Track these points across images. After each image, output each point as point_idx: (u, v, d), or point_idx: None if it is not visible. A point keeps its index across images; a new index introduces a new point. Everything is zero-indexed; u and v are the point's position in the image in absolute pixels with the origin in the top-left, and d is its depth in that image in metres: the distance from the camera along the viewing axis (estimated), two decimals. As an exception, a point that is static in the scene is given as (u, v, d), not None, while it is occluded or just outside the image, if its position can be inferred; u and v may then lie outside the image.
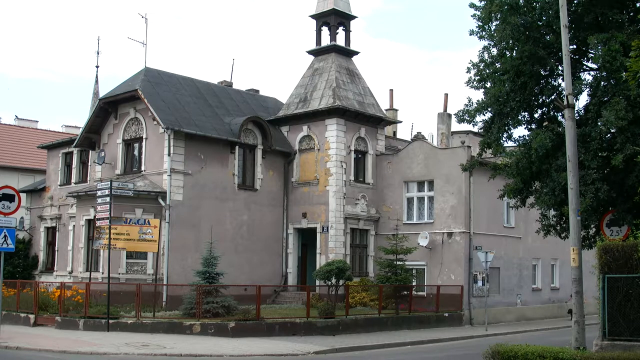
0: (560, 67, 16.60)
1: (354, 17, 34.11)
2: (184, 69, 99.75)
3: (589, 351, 13.07)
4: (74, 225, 30.20)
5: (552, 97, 17.41)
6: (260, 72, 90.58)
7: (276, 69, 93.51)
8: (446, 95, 36.58)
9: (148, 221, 23.82)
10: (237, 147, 29.61)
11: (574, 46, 17.30)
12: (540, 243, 29.52)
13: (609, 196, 15.74)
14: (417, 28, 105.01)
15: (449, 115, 35.01)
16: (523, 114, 18.13)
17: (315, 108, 31.36)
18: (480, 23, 17.91)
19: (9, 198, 19.14)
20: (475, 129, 20.74)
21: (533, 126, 18.33)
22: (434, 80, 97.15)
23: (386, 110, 35.34)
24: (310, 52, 34.05)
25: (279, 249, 31.46)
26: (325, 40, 33.62)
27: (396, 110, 37.22)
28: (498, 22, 17.39)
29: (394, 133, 38.43)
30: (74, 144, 31.23)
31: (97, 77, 37.19)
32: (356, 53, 34.15)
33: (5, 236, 18.80)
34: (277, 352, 18.27)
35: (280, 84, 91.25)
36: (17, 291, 24.99)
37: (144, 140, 28.43)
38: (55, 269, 32.85)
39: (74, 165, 33.63)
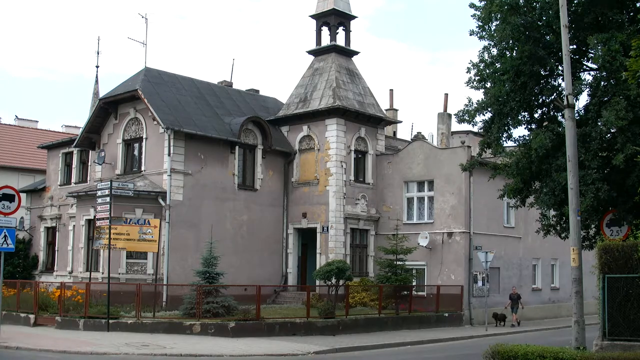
0: (560, 67, 16.60)
1: (354, 17, 34.12)
2: (184, 69, 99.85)
3: (589, 351, 13.06)
4: (74, 225, 30.20)
5: (552, 97, 17.39)
6: (260, 72, 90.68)
7: (276, 69, 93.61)
8: (446, 95, 36.65)
9: (148, 221, 23.80)
10: (237, 147, 29.61)
11: (574, 46, 17.29)
12: (540, 243, 29.54)
13: (609, 196, 15.73)
14: (419, 28, 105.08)
15: (449, 115, 35.03)
16: (523, 114, 18.12)
17: (315, 108, 31.36)
18: (480, 23, 17.90)
19: (9, 198, 19.12)
20: (475, 129, 20.73)
21: (533, 126, 18.32)
22: (435, 81, 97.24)
23: (386, 110, 35.35)
24: (310, 52, 34.06)
25: (279, 249, 31.46)
26: (325, 40, 33.63)
27: (396, 110, 37.25)
28: (498, 22, 17.38)
29: (394, 133, 38.44)
30: (74, 144, 31.23)
31: (97, 77, 37.14)
32: (356, 53, 34.16)
33: (5, 236, 18.77)
34: (277, 352, 18.27)
35: (280, 84, 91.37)
36: (17, 291, 24.97)
37: (144, 140, 28.42)
38: (55, 269, 32.84)
39: (74, 165, 33.63)
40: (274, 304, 28.65)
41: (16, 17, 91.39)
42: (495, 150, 18.63)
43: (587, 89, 16.85)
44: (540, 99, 17.90)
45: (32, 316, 23.33)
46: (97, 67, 37.51)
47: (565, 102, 14.58)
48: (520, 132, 37.10)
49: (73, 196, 29.68)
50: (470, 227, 29.34)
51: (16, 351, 17.64)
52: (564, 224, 18.19)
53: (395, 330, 24.87)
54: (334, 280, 24.39)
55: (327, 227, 30.22)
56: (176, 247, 26.86)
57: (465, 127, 30.64)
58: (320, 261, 29.47)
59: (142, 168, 28.24)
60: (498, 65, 17.80)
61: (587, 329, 14.26)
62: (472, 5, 18.10)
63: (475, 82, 18.32)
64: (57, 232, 33.77)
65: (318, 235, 30.62)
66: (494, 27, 17.59)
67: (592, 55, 16.95)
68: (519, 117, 18.03)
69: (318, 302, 25.16)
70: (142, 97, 27.58)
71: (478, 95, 47.27)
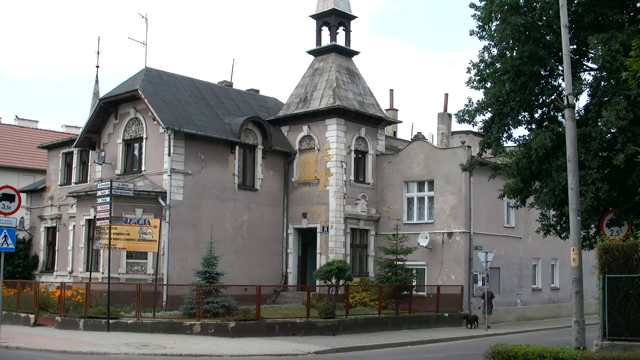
0: (560, 67, 16.60)
1: (354, 17, 34.11)
2: (184, 69, 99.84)
3: (589, 351, 13.06)
4: (74, 225, 30.20)
5: (552, 97, 17.40)
6: (260, 72, 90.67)
7: (276, 69, 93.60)
8: (446, 95, 36.67)
9: (148, 221, 23.81)
10: (237, 147, 29.61)
11: (574, 46, 17.30)
12: (540, 243, 29.52)
13: (610, 196, 15.74)
14: (420, 28, 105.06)
15: (449, 115, 35.03)
16: (523, 114, 18.13)
17: (315, 108, 31.36)
18: (480, 23, 17.91)
19: (9, 198, 19.12)
20: (475, 129, 20.76)
21: (533, 126, 18.33)
22: (437, 80, 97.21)
23: (386, 110, 35.36)
24: (310, 52, 34.05)
25: (279, 249, 31.46)
26: (326, 40, 33.62)
27: (396, 110, 37.27)
28: (498, 22, 17.39)
29: (394, 133, 38.45)
30: (74, 144, 31.23)
31: (97, 77, 37.20)
32: (356, 53, 34.16)
33: (5, 236, 18.77)
34: (277, 352, 18.26)
35: (280, 84, 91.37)
36: (17, 291, 24.97)
37: (144, 140, 28.43)
38: (55, 269, 32.84)
39: (74, 165, 33.63)
40: (274, 304, 28.65)
41: (16, 17, 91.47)
42: (495, 150, 18.64)
43: (587, 89, 16.86)
44: (541, 99, 17.91)
45: (32, 316, 23.32)
46: (97, 67, 37.52)
47: (565, 102, 14.58)
48: (520, 132, 37.16)
49: (73, 196, 29.68)
50: (470, 227, 29.34)
51: (16, 351, 17.64)
52: (564, 224, 18.19)
53: (395, 330, 24.86)
54: (334, 280, 24.38)
55: (327, 227, 30.21)
56: (176, 247, 26.86)
57: (465, 127, 30.72)
58: (320, 261, 29.46)
59: (142, 168, 28.24)
60: (498, 65, 17.81)
61: (587, 329, 14.26)
62: (472, 5, 18.11)
63: (475, 82, 18.33)
64: (57, 232, 33.76)
65: (318, 235, 30.62)
66: (494, 27, 17.60)
67: (592, 55, 16.95)
68: (519, 117, 18.04)
69: (318, 302, 25.15)
70: (142, 97, 27.58)
71: (478, 95, 47.32)
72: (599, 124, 15.75)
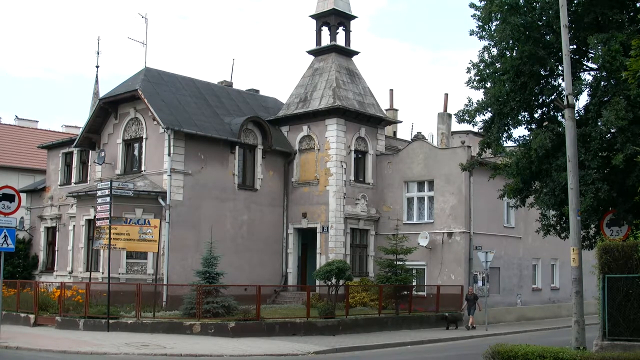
0: (560, 67, 16.60)
1: (354, 17, 34.11)
2: (184, 69, 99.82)
3: (589, 351, 13.07)
4: (74, 225, 30.20)
5: (552, 97, 17.40)
6: (260, 72, 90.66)
7: (276, 69, 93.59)
8: (446, 95, 36.64)
9: (148, 221, 23.81)
10: (237, 147, 29.61)
11: (574, 46, 17.30)
12: (540, 243, 29.54)
13: (609, 196, 15.74)
14: (420, 28, 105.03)
15: (449, 115, 35.02)
16: (523, 114, 18.13)
17: (315, 108, 31.36)
18: (480, 23, 17.90)
19: (9, 198, 19.12)
20: (475, 129, 20.75)
21: (533, 126, 18.32)
22: (437, 80, 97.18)
23: (386, 110, 35.37)
24: (310, 52, 34.05)
25: (279, 249, 31.46)
26: (326, 40, 33.62)
27: (396, 110, 37.28)
28: (498, 22, 17.38)
29: (394, 133, 38.45)
30: (74, 144, 31.24)
31: (97, 77, 37.20)
32: (356, 53, 34.16)
33: (5, 236, 18.77)
34: (277, 352, 18.27)
35: (280, 84, 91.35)
36: (17, 291, 24.98)
37: (144, 140, 28.43)
38: (55, 269, 32.84)
39: (74, 165, 33.63)
40: (274, 304, 28.65)
41: (16, 17, 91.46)
42: (495, 150, 18.64)
43: (587, 89, 16.85)
44: (540, 99, 17.90)
45: (32, 316, 23.33)
46: (97, 67, 37.52)
47: (565, 102, 14.58)
48: (520, 132, 37.17)
49: (73, 196, 29.68)
50: (470, 227, 29.33)
51: (16, 351, 17.65)
52: (564, 224, 18.19)
53: (395, 330, 24.87)
54: (334, 280, 24.38)
55: (327, 227, 30.21)
56: (176, 247, 26.86)
57: (465, 127, 30.71)
58: (320, 261, 29.46)
59: (142, 168, 28.24)
60: (498, 65, 17.80)
61: (587, 329, 14.25)
62: (472, 5, 18.10)
63: (475, 82, 18.32)
64: (57, 232, 33.76)
65: (318, 235, 30.61)
66: (494, 27, 17.59)
67: (592, 55, 16.95)
68: (519, 117, 18.04)
69: (318, 302, 25.17)
70: (142, 97, 27.58)
71: (478, 95, 47.31)
72: (599, 124, 15.75)
